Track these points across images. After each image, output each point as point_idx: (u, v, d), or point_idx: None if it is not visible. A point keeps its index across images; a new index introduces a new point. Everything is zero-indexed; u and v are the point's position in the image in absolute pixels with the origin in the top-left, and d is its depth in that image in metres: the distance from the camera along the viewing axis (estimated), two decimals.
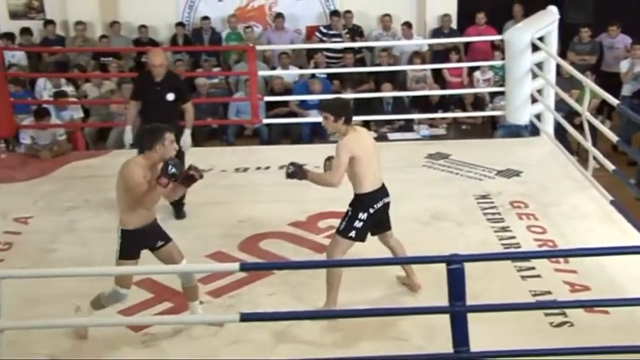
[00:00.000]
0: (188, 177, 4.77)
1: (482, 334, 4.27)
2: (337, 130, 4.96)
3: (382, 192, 5.04)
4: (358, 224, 4.94)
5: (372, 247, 5.80)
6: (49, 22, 11.17)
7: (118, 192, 4.72)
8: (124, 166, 4.68)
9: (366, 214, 4.93)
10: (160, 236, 4.85)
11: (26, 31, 11.05)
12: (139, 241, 4.75)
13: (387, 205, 5.10)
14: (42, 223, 6.49)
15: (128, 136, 6.60)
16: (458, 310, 4.12)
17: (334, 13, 11.21)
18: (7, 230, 6.33)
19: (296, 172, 4.99)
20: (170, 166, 4.54)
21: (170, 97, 6.35)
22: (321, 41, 10.94)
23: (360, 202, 4.95)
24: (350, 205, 5.01)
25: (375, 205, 4.98)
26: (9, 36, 10.85)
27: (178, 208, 6.50)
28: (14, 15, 11.53)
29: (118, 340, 4.79)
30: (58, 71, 10.61)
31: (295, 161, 5.04)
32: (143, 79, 6.62)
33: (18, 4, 11.53)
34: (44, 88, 10.09)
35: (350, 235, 4.96)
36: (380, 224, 5.12)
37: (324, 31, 11.09)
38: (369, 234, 5.08)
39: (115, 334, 4.83)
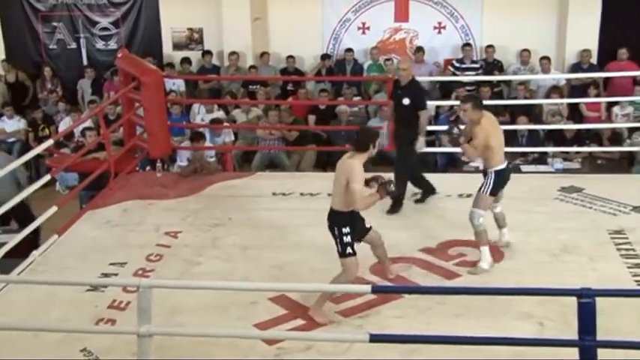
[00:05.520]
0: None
1: None
2: None
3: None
4: None
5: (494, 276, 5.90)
6: (206, 53, 11.95)
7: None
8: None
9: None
10: None
11: (186, 61, 11.87)
12: None
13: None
14: (189, 237, 6.85)
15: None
16: (588, 345, 4.12)
17: (466, 45, 11.34)
18: (158, 243, 6.73)
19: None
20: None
21: (406, 101, 7.01)
22: (454, 74, 11.08)
23: None
24: None
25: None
26: (170, 65, 11.71)
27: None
28: (177, 46, 12.41)
29: (251, 351, 4.99)
30: (212, 98, 11.29)
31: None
32: (395, 84, 7.40)
33: (181, 36, 12.41)
34: (198, 113, 10.78)
35: None
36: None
37: (457, 65, 11.23)
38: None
39: (250, 345, 5.04)
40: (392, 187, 5.49)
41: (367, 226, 5.67)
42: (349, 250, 5.35)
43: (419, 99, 7.12)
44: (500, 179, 6.00)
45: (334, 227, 5.37)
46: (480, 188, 6.02)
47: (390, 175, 6.07)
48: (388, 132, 7.37)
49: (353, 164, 5.30)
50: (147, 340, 4.42)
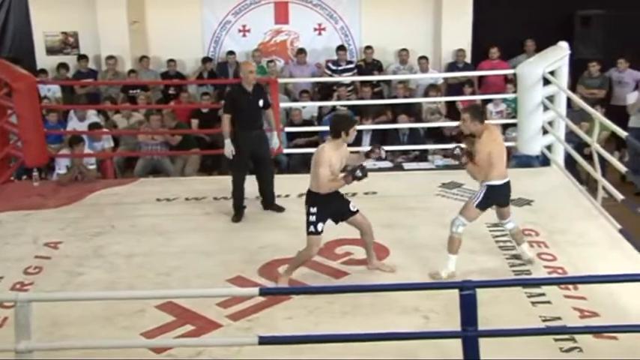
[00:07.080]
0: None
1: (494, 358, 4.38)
2: None
3: None
4: None
5: (380, 273, 6.03)
6: (82, 57, 11.58)
7: None
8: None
9: None
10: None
11: (63, 66, 11.46)
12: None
13: None
14: (70, 248, 6.66)
15: (229, 148, 7.21)
16: (470, 335, 4.24)
17: (340, 48, 11.49)
18: (37, 255, 6.52)
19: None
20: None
21: (261, 103, 7.17)
22: (330, 76, 11.20)
23: None
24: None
25: None
26: (43, 71, 11.27)
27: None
28: (50, 51, 11.96)
29: None
30: (90, 103, 10.96)
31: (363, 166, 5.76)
32: (235, 92, 7.29)
33: (54, 40, 11.97)
34: (71, 119, 10.41)
35: None
36: None
37: (333, 67, 11.34)
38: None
39: (138, 355, 4.89)
40: (359, 173, 5.66)
41: (352, 209, 5.91)
42: (312, 228, 5.77)
43: (267, 98, 7.38)
44: (493, 194, 5.87)
45: (306, 205, 5.82)
46: (470, 198, 6.01)
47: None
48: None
49: (321, 149, 5.72)
50: (26, 357, 4.28)
